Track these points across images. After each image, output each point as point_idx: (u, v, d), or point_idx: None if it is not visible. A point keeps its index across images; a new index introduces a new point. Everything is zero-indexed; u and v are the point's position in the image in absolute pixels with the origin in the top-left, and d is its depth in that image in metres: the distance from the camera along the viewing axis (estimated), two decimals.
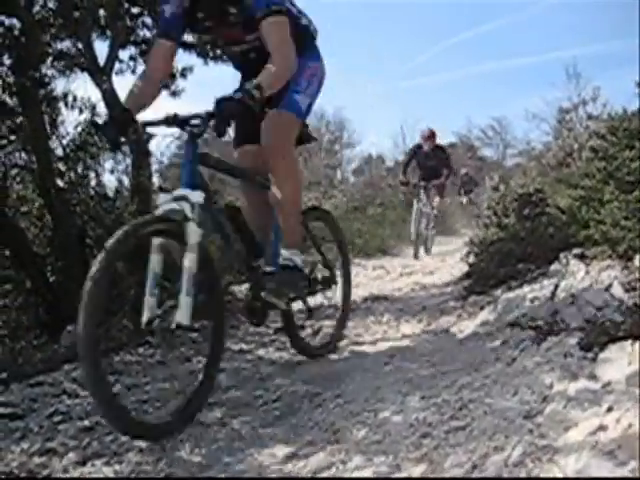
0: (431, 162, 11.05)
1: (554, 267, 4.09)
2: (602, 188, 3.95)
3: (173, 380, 3.42)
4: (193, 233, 2.65)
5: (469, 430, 2.22)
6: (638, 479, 1.63)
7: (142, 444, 2.67)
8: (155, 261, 2.64)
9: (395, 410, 2.56)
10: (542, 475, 1.80)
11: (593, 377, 2.35)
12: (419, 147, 11.23)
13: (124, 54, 5.95)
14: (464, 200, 13.45)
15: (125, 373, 3.73)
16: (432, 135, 11.18)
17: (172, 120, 2.82)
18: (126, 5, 5.34)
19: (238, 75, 3.59)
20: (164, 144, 6.92)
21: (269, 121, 3.24)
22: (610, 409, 1.99)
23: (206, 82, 9.03)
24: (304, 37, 3.36)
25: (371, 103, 50.13)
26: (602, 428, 1.90)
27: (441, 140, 11.96)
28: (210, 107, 2.78)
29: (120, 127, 2.90)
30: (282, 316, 3.64)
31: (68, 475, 2.48)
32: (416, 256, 10.03)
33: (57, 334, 4.39)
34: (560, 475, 1.76)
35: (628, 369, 2.29)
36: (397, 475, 2.03)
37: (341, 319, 4.04)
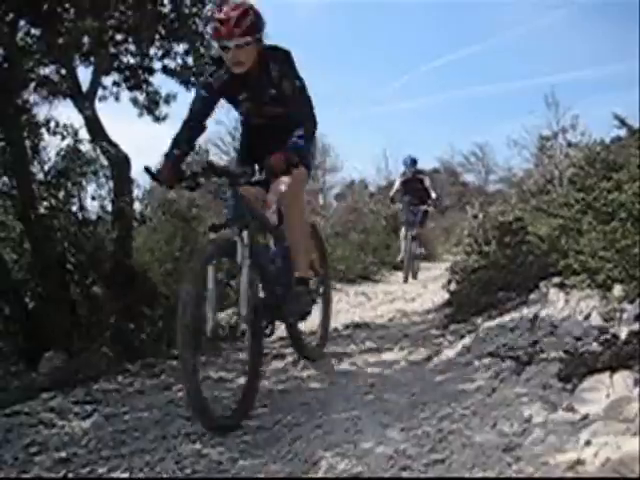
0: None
1: (534, 296, 4.13)
2: (581, 218, 4.00)
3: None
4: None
5: (448, 463, 2.22)
6: None
7: (121, 475, 2.64)
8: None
9: (375, 442, 2.54)
10: None
11: (571, 409, 2.36)
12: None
13: (107, 80, 5.99)
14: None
15: (104, 402, 3.70)
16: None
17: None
18: (110, 32, 5.36)
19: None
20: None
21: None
22: (588, 443, 2.00)
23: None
24: None
25: (353, 128, 50.29)
26: (580, 462, 1.91)
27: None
28: None
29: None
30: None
31: None
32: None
33: (35, 361, 4.35)
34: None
35: (606, 401, 2.30)
36: None
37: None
